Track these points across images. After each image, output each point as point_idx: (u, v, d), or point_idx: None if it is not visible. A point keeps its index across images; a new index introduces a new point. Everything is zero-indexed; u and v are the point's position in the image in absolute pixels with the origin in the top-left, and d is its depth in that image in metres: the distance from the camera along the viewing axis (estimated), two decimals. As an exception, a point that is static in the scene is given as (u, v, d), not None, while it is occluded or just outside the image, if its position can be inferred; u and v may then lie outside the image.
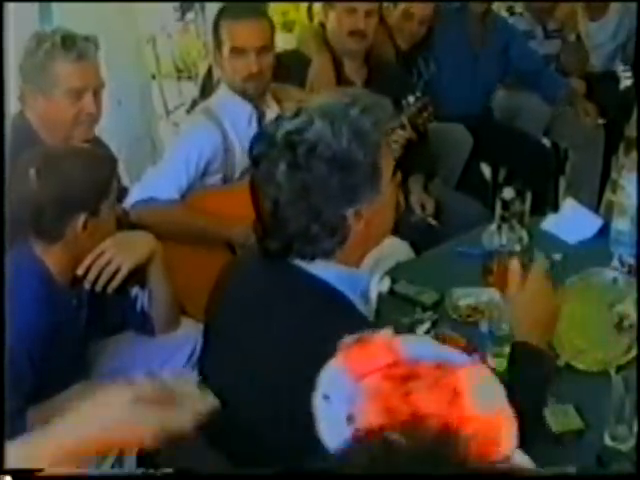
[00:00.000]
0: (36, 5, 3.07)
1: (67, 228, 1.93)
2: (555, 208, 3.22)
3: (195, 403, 1.22)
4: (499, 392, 1.10)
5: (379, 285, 2.18)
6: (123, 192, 2.50)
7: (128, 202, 2.45)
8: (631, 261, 2.18)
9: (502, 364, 1.90)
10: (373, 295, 2.20)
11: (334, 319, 1.38)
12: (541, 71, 3.86)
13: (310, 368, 1.33)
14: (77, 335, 2.05)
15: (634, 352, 1.85)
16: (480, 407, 1.03)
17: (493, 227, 2.29)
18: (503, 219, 2.35)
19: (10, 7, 2.31)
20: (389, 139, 1.50)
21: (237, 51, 2.59)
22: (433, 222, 3.06)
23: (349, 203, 1.40)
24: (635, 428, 1.62)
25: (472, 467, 0.74)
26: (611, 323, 1.94)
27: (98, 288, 1.98)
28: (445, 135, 3.46)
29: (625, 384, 1.61)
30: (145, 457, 1.60)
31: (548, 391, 1.56)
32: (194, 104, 3.28)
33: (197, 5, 5.82)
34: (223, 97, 2.69)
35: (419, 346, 1.17)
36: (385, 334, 1.16)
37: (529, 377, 1.49)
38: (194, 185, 2.55)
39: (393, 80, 3.07)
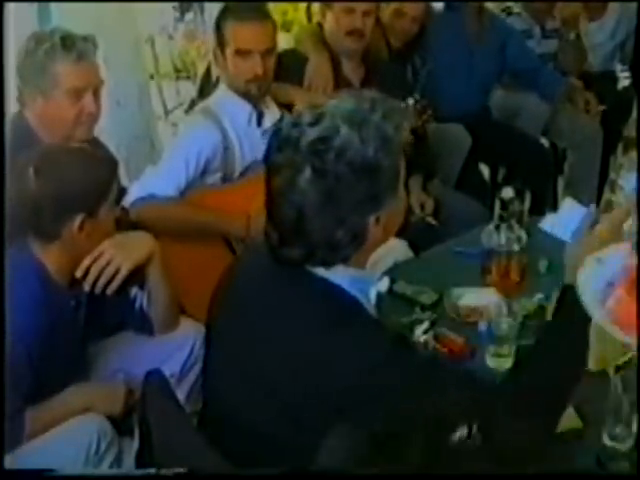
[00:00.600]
0: (35, 5, 3.07)
1: (64, 228, 1.92)
2: (554, 208, 3.22)
3: None
4: None
5: (378, 285, 2.18)
6: (122, 192, 2.50)
7: (127, 200, 2.45)
8: (630, 261, 2.18)
9: (501, 364, 1.90)
10: (372, 295, 2.21)
11: (349, 325, 1.38)
12: (539, 69, 3.86)
13: (322, 373, 1.34)
14: (76, 335, 2.05)
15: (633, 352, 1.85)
16: None
17: (492, 227, 2.29)
18: (502, 219, 2.35)
19: (9, 7, 2.31)
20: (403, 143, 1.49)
21: (242, 53, 2.59)
22: (432, 221, 3.06)
23: (373, 209, 1.40)
24: (634, 428, 1.63)
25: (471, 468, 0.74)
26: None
27: (98, 290, 1.98)
28: (444, 135, 3.46)
29: (624, 384, 1.61)
30: (145, 457, 1.60)
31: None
32: (193, 104, 3.28)
33: (196, 5, 5.83)
34: (222, 97, 2.69)
35: None
36: None
37: (578, 320, 1.47)
38: (193, 184, 2.56)
39: (390, 80, 3.07)
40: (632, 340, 1.21)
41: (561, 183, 4.07)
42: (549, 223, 2.51)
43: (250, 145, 2.65)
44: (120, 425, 2.00)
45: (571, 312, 1.40)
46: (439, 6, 3.75)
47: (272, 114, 2.70)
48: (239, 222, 2.43)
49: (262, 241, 1.49)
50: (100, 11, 3.18)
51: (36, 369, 1.87)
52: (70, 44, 2.30)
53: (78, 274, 1.97)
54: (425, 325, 2.05)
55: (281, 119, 2.54)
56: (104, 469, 1.93)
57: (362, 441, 0.82)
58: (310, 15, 4.33)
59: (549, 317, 1.83)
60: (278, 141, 1.44)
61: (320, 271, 1.43)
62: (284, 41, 3.81)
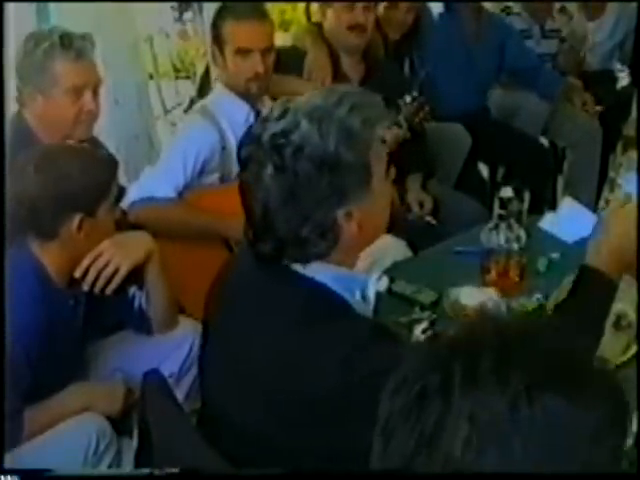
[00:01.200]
0: (33, 5, 3.07)
1: (62, 227, 1.92)
2: (553, 207, 3.22)
3: None
4: None
5: (377, 285, 2.18)
6: (121, 192, 2.50)
7: (126, 202, 2.45)
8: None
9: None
10: (371, 295, 2.20)
11: (330, 321, 1.36)
12: (538, 68, 3.87)
13: (308, 371, 1.33)
14: (74, 335, 2.05)
15: (632, 351, 1.85)
16: None
17: (491, 226, 2.29)
18: (501, 218, 2.35)
19: (9, 7, 2.31)
20: (381, 136, 1.47)
21: (242, 52, 2.59)
22: (431, 220, 3.05)
23: (339, 204, 1.37)
24: (634, 427, 1.62)
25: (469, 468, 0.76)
26: (609, 322, 1.94)
27: (97, 290, 1.98)
28: (443, 135, 3.46)
29: (623, 383, 1.61)
30: (144, 457, 1.60)
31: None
32: (192, 103, 3.28)
33: (195, 5, 5.82)
34: (220, 96, 2.69)
35: None
36: None
37: (593, 303, 1.48)
38: (191, 184, 2.55)
39: (390, 78, 3.08)
40: None
41: (560, 182, 4.07)
42: (548, 222, 2.51)
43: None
44: (119, 425, 2.00)
45: (588, 291, 1.48)
46: (438, 6, 3.76)
47: (271, 113, 2.70)
48: (236, 223, 2.42)
49: None
50: (99, 11, 3.18)
51: (35, 368, 1.87)
52: (69, 43, 2.30)
53: (77, 274, 1.97)
54: (424, 324, 2.05)
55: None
56: (103, 469, 1.93)
57: None
58: (309, 14, 4.33)
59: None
60: (247, 136, 1.43)
61: (298, 268, 1.41)
62: (282, 40, 3.81)
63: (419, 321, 2.07)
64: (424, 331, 2.02)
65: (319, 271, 1.41)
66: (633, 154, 2.51)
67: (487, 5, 3.88)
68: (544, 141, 4.08)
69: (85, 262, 1.96)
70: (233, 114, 2.64)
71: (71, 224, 1.91)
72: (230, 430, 1.43)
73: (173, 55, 6.29)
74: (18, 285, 1.82)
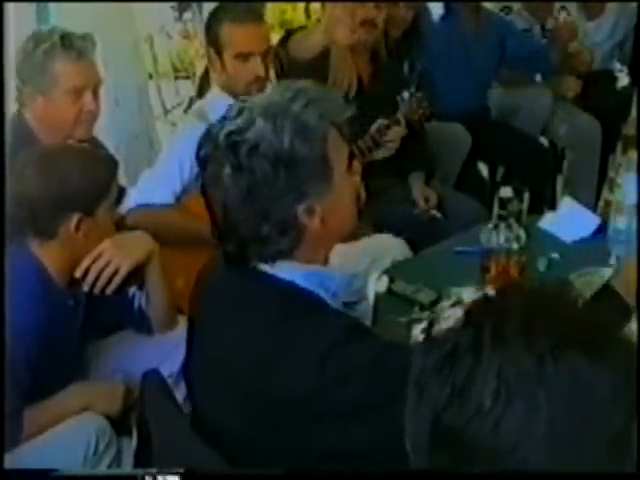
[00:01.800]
0: (33, 5, 3.07)
1: (61, 227, 1.92)
2: (553, 207, 3.22)
3: None
4: None
5: (377, 284, 2.18)
6: (122, 192, 2.50)
7: (124, 208, 2.45)
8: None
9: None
10: (371, 294, 2.20)
11: (303, 320, 1.35)
12: (539, 51, 3.88)
13: (284, 372, 1.32)
14: (74, 335, 2.05)
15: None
16: None
17: (491, 226, 2.29)
18: (501, 218, 2.35)
19: (8, 7, 2.31)
20: (342, 131, 1.46)
21: (243, 56, 2.58)
22: (437, 214, 3.05)
23: (298, 200, 1.36)
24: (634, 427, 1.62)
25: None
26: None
27: (97, 290, 1.98)
28: (443, 134, 3.46)
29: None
30: (143, 456, 1.60)
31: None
32: (191, 103, 3.28)
33: (194, 5, 5.83)
34: (216, 99, 2.68)
35: None
36: None
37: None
38: (189, 188, 2.55)
39: (391, 76, 3.08)
40: None
41: (560, 182, 4.07)
42: (548, 222, 2.51)
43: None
44: (119, 425, 2.00)
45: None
46: (437, 6, 3.76)
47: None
48: None
49: None
50: (99, 11, 3.18)
51: (34, 368, 1.87)
52: (69, 43, 2.31)
53: (77, 274, 1.97)
54: (424, 324, 2.05)
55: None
56: (103, 469, 1.93)
57: None
58: (309, 14, 4.33)
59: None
60: (204, 136, 1.43)
61: (266, 268, 1.40)
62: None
63: (418, 321, 2.06)
64: (423, 331, 2.02)
65: (288, 270, 1.40)
66: (632, 154, 2.50)
67: (487, 5, 3.88)
68: (544, 141, 4.08)
69: (85, 262, 1.96)
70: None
71: (69, 224, 1.92)
72: (216, 432, 1.42)
73: (173, 55, 6.30)
74: (18, 285, 1.82)
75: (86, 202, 1.93)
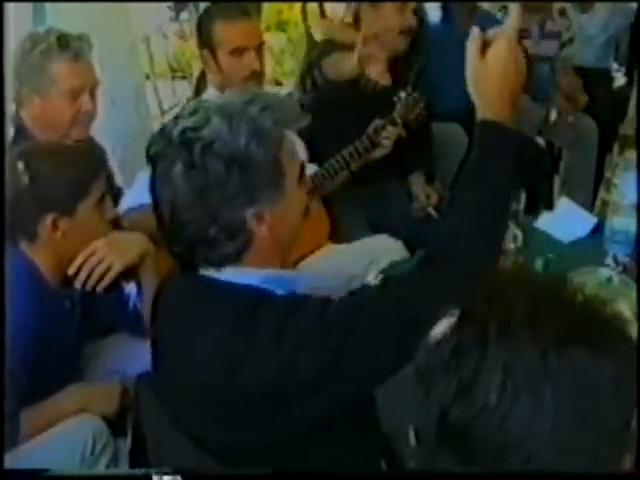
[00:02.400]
0: (30, 6, 3.07)
1: (39, 227, 1.91)
2: (550, 207, 3.22)
3: None
4: None
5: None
6: (118, 192, 2.50)
7: (120, 209, 2.45)
8: (625, 260, 2.19)
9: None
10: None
11: (254, 316, 1.33)
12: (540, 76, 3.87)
13: (245, 368, 1.32)
14: (70, 336, 2.05)
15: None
16: None
17: (488, 226, 2.28)
18: (498, 218, 2.34)
19: (8, 7, 2.31)
20: (298, 139, 1.44)
21: (238, 51, 2.60)
22: (433, 213, 3.05)
23: (248, 204, 1.34)
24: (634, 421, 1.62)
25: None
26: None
27: (88, 287, 1.97)
28: (441, 135, 3.46)
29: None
30: (138, 457, 1.60)
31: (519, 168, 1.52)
32: (188, 104, 3.27)
33: (191, 5, 5.82)
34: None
35: None
36: None
37: (497, 156, 1.48)
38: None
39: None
40: None
41: (557, 182, 4.06)
42: (545, 222, 2.52)
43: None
44: (116, 426, 2.00)
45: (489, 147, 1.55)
46: (433, 7, 3.76)
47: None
48: None
49: None
50: (95, 11, 3.18)
51: (31, 370, 1.87)
52: (66, 44, 2.31)
53: (70, 272, 1.95)
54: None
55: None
56: (100, 469, 1.93)
57: None
58: (305, 14, 4.33)
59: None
60: (156, 133, 1.40)
61: (212, 273, 1.39)
62: (279, 40, 3.81)
63: (416, 321, 2.06)
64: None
65: (240, 275, 1.38)
66: (629, 154, 2.51)
67: (484, 5, 3.88)
68: (540, 141, 4.08)
69: (78, 260, 1.95)
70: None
71: (46, 224, 1.91)
72: (197, 438, 1.42)
73: (170, 55, 6.30)
74: (13, 285, 1.81)
75: (61, 202, 1.91)
